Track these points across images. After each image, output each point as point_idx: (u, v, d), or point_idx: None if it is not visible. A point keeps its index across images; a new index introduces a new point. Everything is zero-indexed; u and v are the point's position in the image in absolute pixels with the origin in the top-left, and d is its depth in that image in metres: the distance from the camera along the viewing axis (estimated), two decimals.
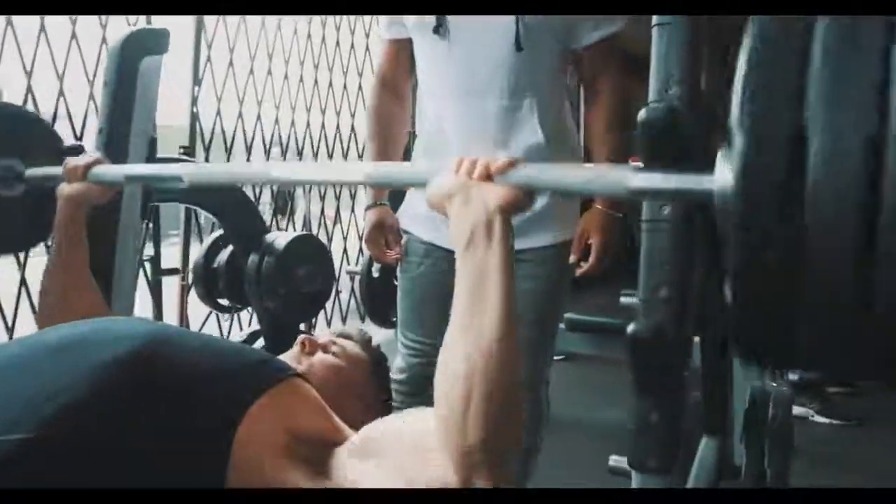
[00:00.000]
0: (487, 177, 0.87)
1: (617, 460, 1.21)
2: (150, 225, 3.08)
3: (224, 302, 2.06)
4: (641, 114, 0.86)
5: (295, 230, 3.75)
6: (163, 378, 0.87)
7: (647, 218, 0.91)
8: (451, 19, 1.52)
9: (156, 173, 1.25)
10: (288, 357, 1.19)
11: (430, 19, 1.53)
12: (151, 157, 1.59)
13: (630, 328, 0.85)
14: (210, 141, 3.28)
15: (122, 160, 1.55)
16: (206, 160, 3.10)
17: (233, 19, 3.20)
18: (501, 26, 1.49)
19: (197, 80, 3.14)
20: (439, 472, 0.80)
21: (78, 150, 1.49)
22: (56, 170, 1.34)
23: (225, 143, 3.41)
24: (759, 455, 1.40)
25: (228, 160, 3.40)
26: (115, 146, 1.54)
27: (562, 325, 2.46)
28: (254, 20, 3.34)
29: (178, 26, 3.08)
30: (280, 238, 1.87)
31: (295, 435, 0.91)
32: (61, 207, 1.31)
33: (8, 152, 1.46)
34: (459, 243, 0.85)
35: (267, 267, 1.84)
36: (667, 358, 0.86)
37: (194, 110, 3.15)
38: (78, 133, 2.49)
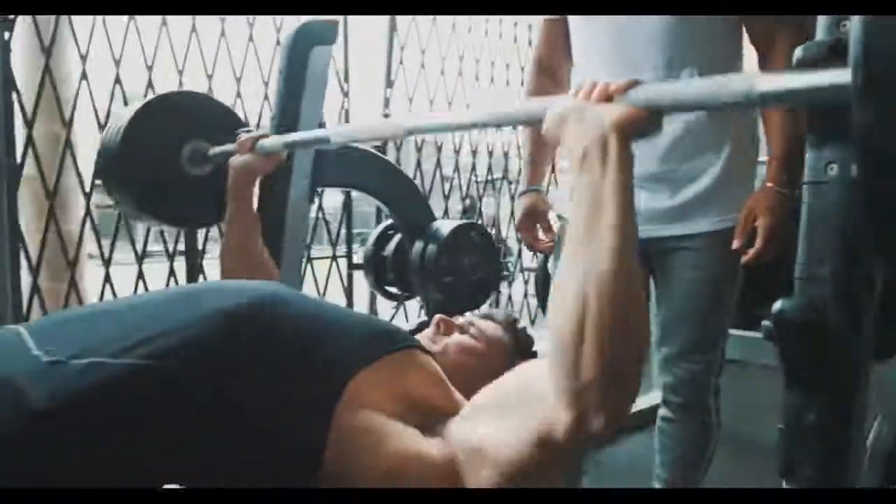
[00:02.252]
0: (607, 98, 0.80)
1: None
2: (345, 223, 3.31)
3: (393, 290, 2.08)
4: (798, 52, 0.72)
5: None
6: (266, 334, 0.87)
7: (809, 179, 0.77)
8: None
9: (308, 138, 1.42)
10: (423, 337, 1.15)
11: None
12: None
13: (776, 306, 0.72)
14: (400, 143, 3.38)
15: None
16: (397, 161, 3.19)
17: (424, 20, 3.27)
18: None
19: (389, 82, 3.27)
20: (550, 416, 0.75)
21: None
22: (231, 147, 1.45)
23: (416, 144, 3.50)
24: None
25: (419, 161, 3.51)
26: (285, 133, 1.61)
27: None
28: (445, 20, 3.39)
29: (373, 27, 3.22)
30: (444, 226, 1.86)
31: (407, 403, 0.88)
32: (232, 177, 1.43)
33: (197, 134, 1.59)
34: (573, 166, 0.79)
35: (430, 255, 1.83)
36: (823, 344, 0.72)
37: (386, 113, 3.28)
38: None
